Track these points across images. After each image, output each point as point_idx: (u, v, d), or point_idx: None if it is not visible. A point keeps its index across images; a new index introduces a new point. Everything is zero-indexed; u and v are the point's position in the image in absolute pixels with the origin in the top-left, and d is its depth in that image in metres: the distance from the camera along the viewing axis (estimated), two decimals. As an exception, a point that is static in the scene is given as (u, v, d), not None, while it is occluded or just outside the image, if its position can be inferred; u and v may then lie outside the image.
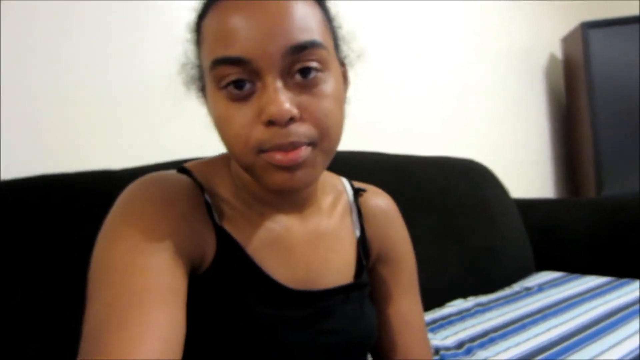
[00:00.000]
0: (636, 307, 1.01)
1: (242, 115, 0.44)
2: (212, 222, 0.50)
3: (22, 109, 0.90)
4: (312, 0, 0.47)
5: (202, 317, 0.47)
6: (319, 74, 0.46)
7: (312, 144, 0.45)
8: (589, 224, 1.41)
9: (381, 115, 1.57)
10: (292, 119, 0.43)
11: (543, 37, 2.26)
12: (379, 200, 0.66)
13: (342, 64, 0.53)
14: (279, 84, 0.44)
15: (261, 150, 0.44)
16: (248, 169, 0.47)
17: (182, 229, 0.46)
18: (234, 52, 0.43)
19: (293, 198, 0.55)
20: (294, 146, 0.44)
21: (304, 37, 0.44)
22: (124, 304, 0.39)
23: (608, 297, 1.08)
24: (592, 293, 1.12)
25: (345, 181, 0.65)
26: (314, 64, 0.45)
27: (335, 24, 0.51)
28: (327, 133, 0.46)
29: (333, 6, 0.51)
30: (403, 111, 1.66)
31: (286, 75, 0.44)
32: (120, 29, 1.03)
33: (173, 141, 1.07)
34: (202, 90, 0.52)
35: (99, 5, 1.00)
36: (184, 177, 0.51)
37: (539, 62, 2.27)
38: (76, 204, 0.75)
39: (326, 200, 0.60)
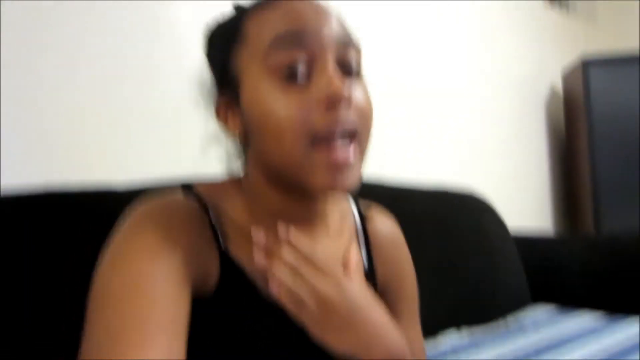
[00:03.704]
0: (633, 344, 1.02)
1: (298, 100, 0.46)
2: (217, 246, 0.50)
3: (27, 118, 0.92)
4: None
5: (206, 341, 0.47)
6: (358, 76, 0.51)
7: (354, 134, 0.48)
8: (585, 260, 1.43)
9: (381, 138, 1.60)
10: (348, 100, 0.47)
11: (545, 69, 2.30)
12: (385, 225, 0.66)
13: None
14: (335, 67, 0.47)
15: (314, 138, 0.45)
16: (294, 166, 0.47)
17: (186, 255, 0.46)
18: (296, 26, 0.47)
19: (307, 214, 0.55)
20: (350, 127, 0.47)
21: (351, 37, 0.51)
22: (123, 334, 0.39)
23: (604, 333, 1.09)
24: (587, 330, 1.13)
25: (351, 199, 0.65)
26: (355, 63, 0.50)
27: None
28: (367, 126, 0.50)
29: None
30: (402, 135, 1.68)
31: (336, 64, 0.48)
32: (132, 42, 1.06)
33: (179, 157, 1.10)
34: (231, 96, 0.52)
35: (111, 18, 1.03)
36: (189, 201, 0.51)
37: (541, 94, 2.31)
38: (78, 222, 0.75)
39: (334, 218, 0.59)
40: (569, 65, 2.22)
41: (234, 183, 0.57)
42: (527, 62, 2.22)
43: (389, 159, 1.61)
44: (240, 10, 0.53)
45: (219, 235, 0.51)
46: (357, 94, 0.49)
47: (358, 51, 0.51)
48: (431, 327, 1.16)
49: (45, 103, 0.94)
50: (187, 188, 0.54)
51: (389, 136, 1.63)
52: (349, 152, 0.47)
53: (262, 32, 0.48)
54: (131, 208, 0.49)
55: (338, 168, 0.46)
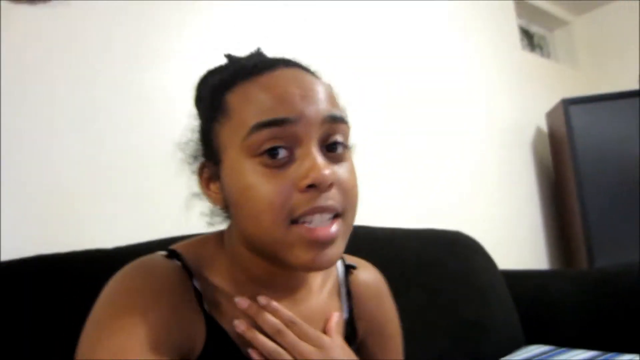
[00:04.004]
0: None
1: (278, 183, 0.45)
2: (201, 309, 0.50)
3: (20, 189, 0.95)
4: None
5: None
6: (344, 150, 0.50)
7: (339, 215, 0.47)
8: (576, 296, 1.42)
9: (367, 188, 1.63)
10: (330, 185, 0.45)
11: (529, 113, 2.37)
12: (368, 277, 0.67)
13: None
14: (317, 151, 0.46)
15: (293, 218, 0.45)
16: (273, 244, 0.46)
17: (171, 321, 0.45)
18: (279, 114, 0.45)
19: (289, 280, 0.55)
20: (331, 210, 0.46)
21: (337, 111, 0.49)
22: None
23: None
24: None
25: None
26: (341, 139, 0.49)
27: None
28: (352, 205, 0.49)
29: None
30: (392, 183, 1.72)
31: (320, 145, 0.47)
32: (116, 108, 1.10)
33: (168, 217, 1.11)
34: (213, 167, 0.51)
35: (94, 87, 1.07)
36: (171, 264, 0.51)
37: (527, 136, 2.37)
38: (71, 285, 0.77)
39: (316, 280, 0.60)
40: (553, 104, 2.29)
41: (216, 242, 0.57)
42: (512, 106, 2.29)
43: (378, 208, 1.64)
44: (227, 78, 0.52)
45: (203, 299, 0.51)
46: (340, 173, 0.48)
47: (345, 125, 0.50)
48: (422, 370, 1.15)
49: (38, 178, 0.99)
50: (170, 251, 0.54)
51: (378, 184, 1.67)
52: (330, 227, 0.46)
53: (245, 111, 0.47)
54: (114, 275, 0.49)
55: (319, 244, 0.45)
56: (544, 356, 1.24)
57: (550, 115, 2.28)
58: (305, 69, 0.52)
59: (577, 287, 1.46)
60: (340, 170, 0.48)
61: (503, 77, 2.27)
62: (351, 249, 1.20)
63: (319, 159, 0.45)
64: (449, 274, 1.37)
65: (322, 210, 0.45)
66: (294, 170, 0.45)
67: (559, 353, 1.25)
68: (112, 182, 1.08)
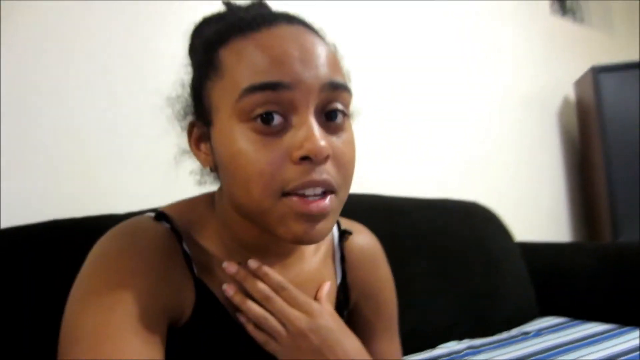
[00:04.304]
0: (634, 355, 0.99)
1: (270, 151, 0.42)
2: (190, 273, 0.49)
3: (23, 155, 0.96)
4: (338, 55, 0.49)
5: None
6: (344, 119, 0.46)
7: (334, 191, 0.44)
8: (593, 269, 1.39)
9: (386, 157, 1.61)
10: (326, 158, 0.42)
11: (557, 81, 2.28)
12: (364, 242, 0.65)
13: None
14: (314, 120, 0.43)
15: (284, 191, 0.42)
16: (263, 215, 0.44)
17: (158, 284, 0.44)
18: (273, 77, 0.42)
19: (280, 245, 0.53)
20: (325, 185, 0.43)
21: (339, 78, 0.45)
22: None
23: (605, 344, 1.06)
24: (590, 340, 1.09)
25: None
26: (341, 107, 0.45)
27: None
28: (348, 180, 0.46)
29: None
30: (415, 152, 1.69)
31: (318, 113, 0.44)
32: (118, 73, 1.09)
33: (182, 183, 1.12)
34: (204, 127, 0.49)
35: (98, 55, 1.06)
36: (160, 227, 0.49)
37: (553, 106, 2.28)
38: (83, 249, 0.78)
39: (309, 245, 0.57)
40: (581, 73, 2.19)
41: (206, 203, 0.55)
42: (538, 74, 2.20)
43: (398, 175, 1.61)
44: (222, 31, 0.48)
45: (193, 262, 0.50)
46: (338, 145, 0.45)
47: (347, 93, 0.46)
48: (432, 339, 1.14)
49: (51, 140, 0.99)
50: (159, 213, 0.52)
51: (397, 152, 1.64)
52: (323, 200, 0.43)
53: (239, 71, 0.44)
54: (101, 238, 0.48)
55: (310, 217, 0.43)
56: (558, 328, 1.21)
57: (578, 83, 2.18)
58: (309, 27, 0.48)
59: (595, 261, 1.41)
60: (338, 141, 0.45)
61: (529, 43, 2.18)
62: (361, 217, 1.18)
63: (316, 129, 0.42)
64: (463, 244, 1.34)
65: (315, 184, 0.42)
66: (288, 139, 0.42)
67: (574, 325, 1.22)
68: (128, 148, 1.08)
